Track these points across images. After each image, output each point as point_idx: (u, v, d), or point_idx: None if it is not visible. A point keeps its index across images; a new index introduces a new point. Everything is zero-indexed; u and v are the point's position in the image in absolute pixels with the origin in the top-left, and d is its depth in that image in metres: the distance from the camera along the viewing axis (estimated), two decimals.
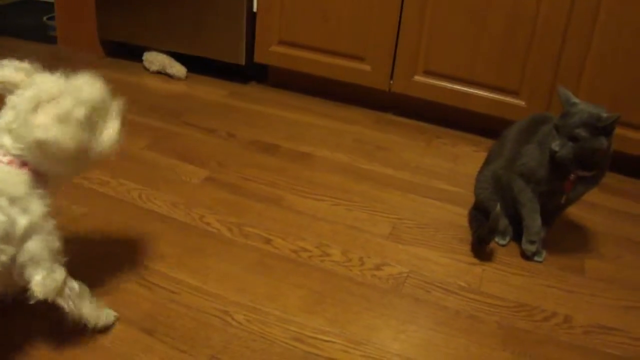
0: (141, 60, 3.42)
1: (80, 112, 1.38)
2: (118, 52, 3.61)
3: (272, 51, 2.97)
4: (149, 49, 3.38)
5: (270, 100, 2.91)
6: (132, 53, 3.50)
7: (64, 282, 1.45)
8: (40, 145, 1.32)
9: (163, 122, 2.77)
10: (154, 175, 2.33)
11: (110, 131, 1.51)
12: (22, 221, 1.34)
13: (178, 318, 1.68)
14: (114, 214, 2.11)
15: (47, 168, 1.41)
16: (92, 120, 1.44)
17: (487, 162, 2.07)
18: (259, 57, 3.02)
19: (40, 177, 1.41)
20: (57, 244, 1.41)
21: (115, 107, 1.56)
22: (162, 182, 2.29)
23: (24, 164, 1.38)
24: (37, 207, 1.37)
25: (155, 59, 3.30)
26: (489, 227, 1.89)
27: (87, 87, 1.47)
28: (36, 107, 1.34)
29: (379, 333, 1.65)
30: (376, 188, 2.30)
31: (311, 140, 2.54)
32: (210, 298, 1.75)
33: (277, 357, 1.56)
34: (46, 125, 1.32)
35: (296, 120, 2.73)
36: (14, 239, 1.34)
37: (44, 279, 1.38)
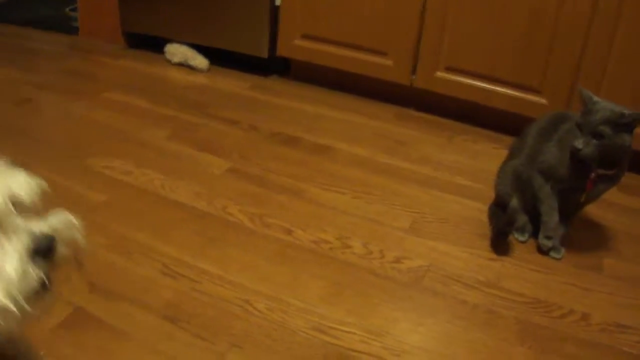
0: (163, 53, 3.45)
1: None
2: (140, 44, 3.64)
3: (295, 45, 2.99)
4: (171, 41, 3.41)
5: (292, 93, 2.93)
6: (153, 45, 3.53)
7: None
8: None
9: (185, 113, 2.80)
10: (177, 166, 2.36)
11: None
12: None
13: (200, 306, 1.71)
14: (136, 203, 2.14)
15: None
16: None
17: (508, 159, 2.08)
18: (281, 51, 3.04)
19: None
20: None
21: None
22: (184, 172, 2.32)
23: None
24: None
25: (177, 51, 3.33)
26: (506, 219, 1.90)
27: None
28: None
29: (398, 325, 1.66)
30: (396, 182, 2.31)
31: (332, 134, 2.55)
32: (232, 287, 1.77)
33: (298, 347, 1.58)
34: None
35: (317, 114, 2.75)
36: None
37: None
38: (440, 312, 1.72)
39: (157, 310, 1.71)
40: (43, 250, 0.96)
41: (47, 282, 1.00)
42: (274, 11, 3.00)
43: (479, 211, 2.15)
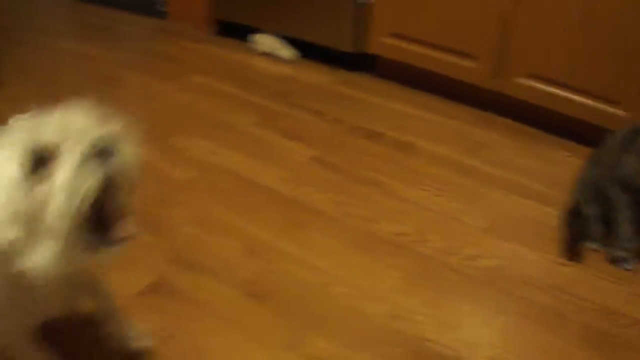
0: (248, 41, 3.53)
1: None
2: (226, 31, 3.72)
3: (383, 42, 3.04)
4: (258, 31, 3.49)
5: (376, 89, 3.00)
6: (239, 33, 3.61)
7: None
8: None
9: (271, 101, 2.89)
10: (262, 150, 2.45)
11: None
12: None
13: (280, 285, 1.80)
14: (221, 183, 2.25)
15: None
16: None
17: (586, 168, 2.11)
18: (369, 47, 3.10)
19: None
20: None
21: None
22: (270, 157, 2.41)
23: None
24: None
25: (264, 41, 3.41)
26: (581, 227, 1.95)
27: None
28: None
29: (470, 319, 1.74)
30: (476, 183, 2.36)
31: (414, 131, 2.62)
32: (313, 270, 1.86)
33: (374, 332, 1.66)
34: None
35: (400, 111, 2.81)
36: None
37: None
38: (510, 311, 1.78)
39: (239, 285, 1.81)
40: (100, 152, 1.01)
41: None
42: (360, 7, 3.04)
43: (553, 217, 2.18)
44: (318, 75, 3.16)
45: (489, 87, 2.81)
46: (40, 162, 0.99)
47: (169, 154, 2.42)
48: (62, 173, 0.98)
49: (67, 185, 0.97)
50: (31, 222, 0.98)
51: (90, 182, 0.99)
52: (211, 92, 2.98)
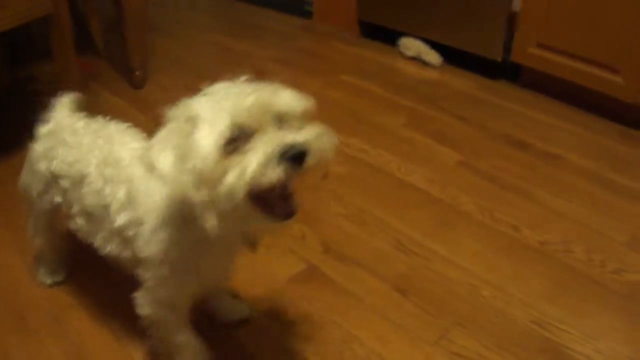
0: (394, 45, 3.59)
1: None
2: (373, 34, 3.79)
3: (529, 52, 3.05)
4: (405, 34, 3.54)
5: (521, 99, 3.00)
6: (385, 36, 3.67)
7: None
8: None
9: (418, 104, 2.95)
10: (412, 151, 2.52)
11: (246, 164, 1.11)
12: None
13: (429, 283, 1.87)
14: (372, 180, 2.33)
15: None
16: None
17: None
18: (516, 57, 3.11)
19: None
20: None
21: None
22: (419, 158, 2.47)
23: None
24: None
25: (412, 45, 3.46)
26: None
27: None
28: None
29: (613, 333, 1.73)
30: (619, 198, 2.33)
31: (559, 143, 2.62)
32: (460, 271, 1.92)
33: (516, 335, 1.70)
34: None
35: (544, 121, 2.81)
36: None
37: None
38: None
39: (388, 280, 1.88)
40: (291, 157, 1.05)
41: (287, 188, 1.12)
42: (512, 17, 3.06)
43: None
44: (463, 81, 3.19)
45: (636, 103, 2.76)
46: (236, 138, 1.08)
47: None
48: (249, 162, 1.05)
49: (249, 174, 1.04)
50: (212, 190, 1.07)
51: (270, 178, 1.05)
52: (359, 92, 3.06)
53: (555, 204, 2.24)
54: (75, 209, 1.51)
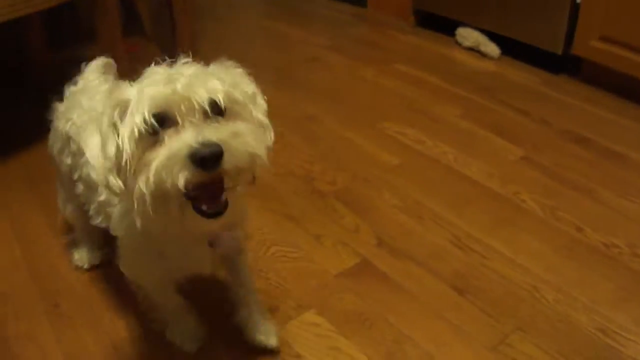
0: (451, 35, 3.51)
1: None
2: (428, 23, 3.72)
3: (591, 45, 2.94)
4: (462, 24, 3.46)
5: (583, 94, 2.90)
6: (441, 26, 3.60)
7: None
8: None
9: (476, 95, 2.87)
10: (469, 143, 2.44)
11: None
12: None
13: (488, 283, 1.78)
14: (428, 171, 2.26)
15: None
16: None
17: None
18: (577, 50, 3.01)
19: None
20: None
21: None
22: (477, 151, 2.39)
23: None
24: None
25: (469, 35, 3.38)
26: None
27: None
28: None
29: None
30: None
31: (623, 141, 2.51)
32: (521, 271, 1.83)
33: (580, 343, 1.61)
34: None
35: (608, 118, 2.71)
36: None
37: None
38: None
39: (445, 278, 1.80)
40: (199, 160, 0.97)
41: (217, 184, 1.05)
42: (574, 8, 2.96)
43: None
44: (522, 74, 3.09)
45: None
46: (157, 129, 1.02)
47: (379, 138, 2.47)
48: (152, 164, 0.99)
49: (151, 178, 0.99)
50: (130, 182, 1.04)
51: (174, 181, 0.98)
52: (414, 81, 2.99)
53: (620, 205, 2.14)
54: (77, 174, 1.50)
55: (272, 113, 1.21)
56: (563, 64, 3.10)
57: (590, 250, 1.93)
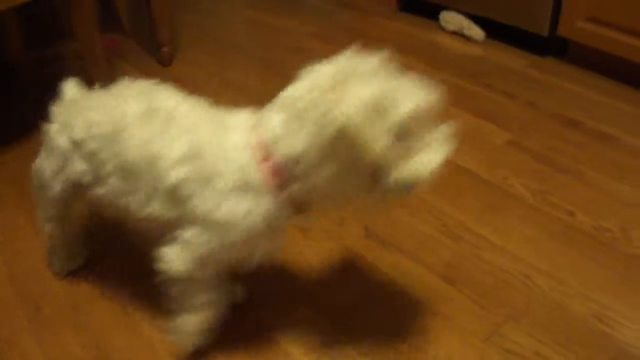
0: (434, 19, 3.46)
1: (398, 113, 1.13)
2: (412, 8, 3.66)
3: (578, 26, 2.90)
4: (446, 8, 3.41)
5: (570, 76, 2.85)
6: (424, 10, 3.55)
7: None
8: (337, 134, 1.09)
9: (461, 80, 2.82)
10: (458, 130, 2.38)
11: (425, 159, 1.20)
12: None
13: (479, 272, 1.75)
14: None
15: (300, 177, 1.19)
16: (405, 134, 1.15)
17: None
18: (563, 31, 2.97)
19: (282, 190, 1.22)
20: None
21: (443, 132, 1.27)
22: (465, 137, 2.32)
23: (268, 158, 1.20)
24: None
25: (453, 19, 3.33)
26: None
27: (410, 88, 1.21)
28: (337, 85, 1.13)
29: None
30: None
31: (612, 122, 2.48)
32: (512, 259, 1.80)
33: (575, 332, 1.58)
34: (351, 109, 1.08)
35: (595, 99, 2.67)
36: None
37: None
38: None
39: (435, 269, 1.77)
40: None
41: None
42: None
43: None
44: (508, 57, 3.05)
45: None
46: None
47: None
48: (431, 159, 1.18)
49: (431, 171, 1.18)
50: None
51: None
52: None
53: (611, 187, 2.11)
54: (109, 167, 1.39)
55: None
56: (549, 45, 3.06)
57: (582, 235, 1.90)
